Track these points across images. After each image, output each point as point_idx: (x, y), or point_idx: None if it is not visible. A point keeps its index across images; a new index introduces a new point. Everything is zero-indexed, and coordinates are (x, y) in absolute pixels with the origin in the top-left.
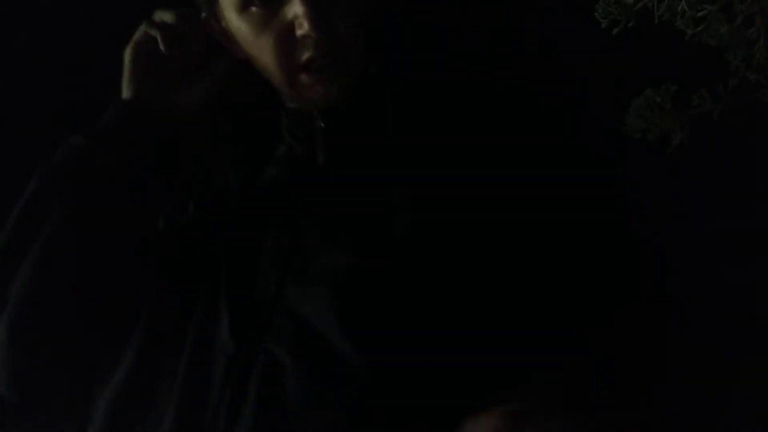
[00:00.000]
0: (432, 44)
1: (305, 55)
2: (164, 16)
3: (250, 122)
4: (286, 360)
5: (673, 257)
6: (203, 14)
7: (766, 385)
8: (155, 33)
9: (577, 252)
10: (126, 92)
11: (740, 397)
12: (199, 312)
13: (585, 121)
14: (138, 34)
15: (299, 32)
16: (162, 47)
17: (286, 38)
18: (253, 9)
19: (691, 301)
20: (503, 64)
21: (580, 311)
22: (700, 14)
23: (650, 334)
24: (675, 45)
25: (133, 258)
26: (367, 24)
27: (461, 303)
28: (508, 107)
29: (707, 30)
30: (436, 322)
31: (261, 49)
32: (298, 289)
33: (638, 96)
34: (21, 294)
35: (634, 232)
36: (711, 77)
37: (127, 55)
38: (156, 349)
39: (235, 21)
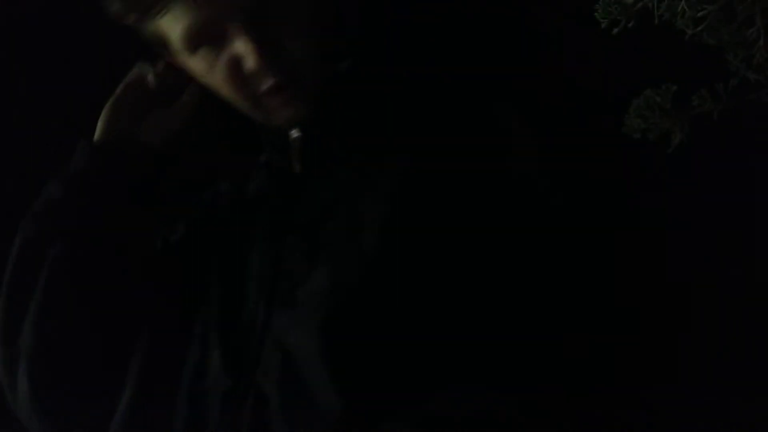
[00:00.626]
0: (405, 45)
1: (261, 85)
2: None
3: (232, 132)
4: (273, 395)
5: (672, 259)
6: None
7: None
8: (149, 74)
9: (554, 266)
10: (100, 132)
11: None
12: (194, 340)
13: (580, 121)
14: (131, 76)
15: (248, 67)
16: (153, 88)
17: (238, 72)
18: (202, 50)
19: (691, 301)
20: (492, 63)
21: (555, 327)
22: (700, 14)
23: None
24: (675, 45)
25: (135, 281)
26: (326, 32)
27: (440, 327)
28: (485, 113)
29: (707, 30)
30: (414, 350)
31: (218, 84)
32: (284, 316)
33: (638, 96)
34: (32, 341)
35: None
36: (711, 77)
37: (118, 94)
38: (155, 379)
39: (188, 62)
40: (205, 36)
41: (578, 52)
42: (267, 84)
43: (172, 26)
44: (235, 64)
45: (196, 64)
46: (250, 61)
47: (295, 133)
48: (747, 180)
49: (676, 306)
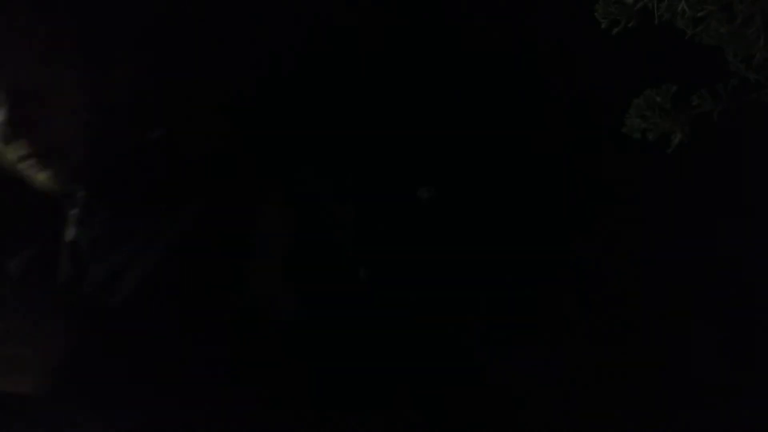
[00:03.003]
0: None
1: (18, 153)
2: None
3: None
4: None
5: (672, 258)
6: None
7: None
8: None
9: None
10: None
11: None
12: None
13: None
14: None
15: (3, 137)
16: None
17: None
18: None
19: (690, 302)
20: None
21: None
22: (700, 14)
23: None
24: (675, 45)
25: None
26: (95, 109)
27: None
28: None
29: (707, 30)
30: None
31: None
32: None
33: (638, 96)
34: None
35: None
36: (711, 77)
37: None
38: None
39: None
40: None
41: (578, 52)
42: (22, 153)
43: None
44: None
45: None
46: (6, 133)
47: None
48: (747, 180)
49: (676, 306)
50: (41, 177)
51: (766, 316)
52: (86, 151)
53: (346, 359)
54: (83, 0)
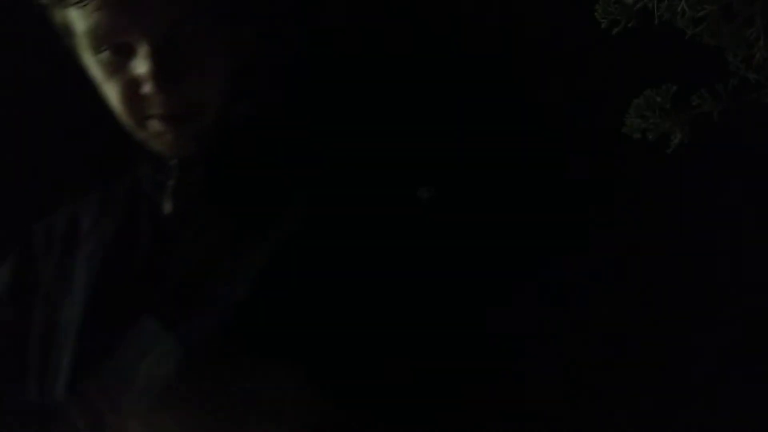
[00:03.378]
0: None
1: (154, 110)
2: None
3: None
4: None
5: (671, 259)
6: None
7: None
8: None
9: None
10: None
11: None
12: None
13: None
14: None
15: (143, 91)
16: None
17: (132, 90)
18: (104, 55)
19: (690, 301)
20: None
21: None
22: (700, 14)
23: None
24: (675, 45)
25: None
26: (234, 70)
27: None
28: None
29: (707, 30)
30: None
31: (109, 92)
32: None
33: (638, 96)
34: None
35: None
36: (711, 77)
37: None
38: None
39: (87, 59)
40: (110, 42)
41: (578, 52)
42: (158, 111)
43: (81, 20)
44: (133, 81)
45: (94, 65)
46: (147, 86)
47: (174, 164)
48: (747, 180)
49: (678, 306)
50: (167, 138)
51: (766, 316)
52: (220, 115)
53: None
54: None
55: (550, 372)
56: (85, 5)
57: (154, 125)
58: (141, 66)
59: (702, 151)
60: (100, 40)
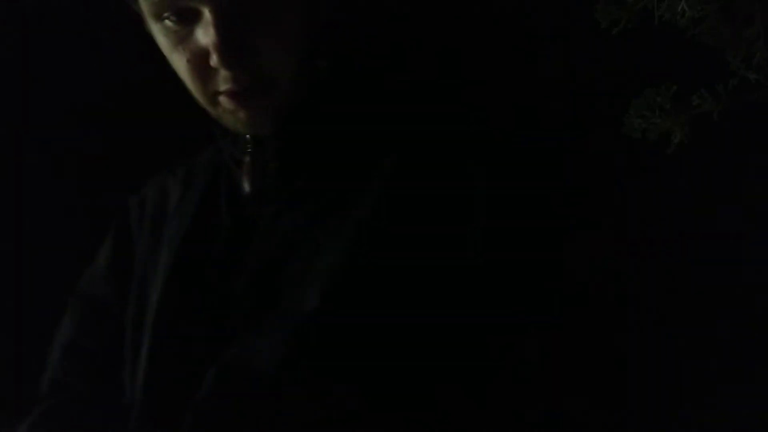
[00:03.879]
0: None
1: (223, 85)
2: None
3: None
4: None
5: (671, 257)
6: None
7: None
8: None
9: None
10: None
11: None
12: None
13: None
14: None
15: (212, 63)
16: None
17: (200, 62)
18: (168, 22)
19: (690, 301)
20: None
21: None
22: (700, 14)
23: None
24: (675, 45)
25: None
26: (307, 40)
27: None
28: (460, 175)
29: (707, 30)
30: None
31: (176, 64)
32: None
33: (638, 96)
34: None
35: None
36: (711, 77)
37: None
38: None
39: (152, 28)
40: (174, 8)
41: (578, 52)
42: (226, 87)
43: None
44: (199, 52)
45: (159, 34)
46: (214, 57)
47: (248, 140)
48: (747, 180)
49: (674, 306)
50: (240, 115)
51: (766, 315)
52: (291, 91)
53: None
54: None
55: (548, 370)
56: None
57: (225, 102)
58: (207, 36)
59: (702, 151)
60: (163, 4)
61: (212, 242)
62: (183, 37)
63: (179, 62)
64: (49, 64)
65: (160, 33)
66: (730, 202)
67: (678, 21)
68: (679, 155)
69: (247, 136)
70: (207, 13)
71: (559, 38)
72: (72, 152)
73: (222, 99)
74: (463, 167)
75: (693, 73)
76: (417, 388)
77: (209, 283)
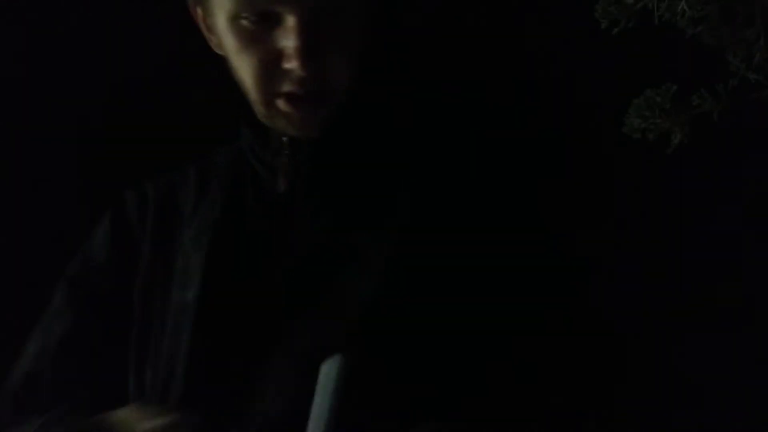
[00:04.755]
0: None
1: (287, 87)
2: None
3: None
4: None
5: (671, 258)
6: None
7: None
8: None
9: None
10: None
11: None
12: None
13: (586, 123)
14: None
15: (287, 65)
16: None
17: (270, 63)
18: (244, 22)
19: (690, 301)
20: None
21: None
22: (700, 14)
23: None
24: (675, 45)
25: None
26: (360, 54)
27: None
28: (486, 168)
29: (707, 30)
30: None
31: (242, 62)
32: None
33: (638, 96)
34: None
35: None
36: (711, 77)
37: None
38: None
39: (222, 25)
40: (257, 9)
41: (578, 52)
42: (291, 87)
43: None
44: (274, 52)
45: (230, 32)
46: (295, 61)
47: (285, 141)
48: (746, 180)
49: (678, 305)
50: (294, 118)
51: (766, 315)
52: (341, 99)
53: None
54: None
55: (551, 372)
56: None
57: (282, 104)
58: (288, 39)
59: (702, 151)
60: (249, 3)
61: (247, 242)
62: (258, 37)
63: (248, 60)
64: (49, 64)
65: (231, 31)
66: (730, 202)
67: (678, 21)
68: (679, 155)
69: (284, 138)
70: (290, 19)
71: (559, 38)
72: (70, 150)
73: (280, 101)
74: (490, 168)
75: (693, 73)
76: (465, 375)
77: (251, 282)
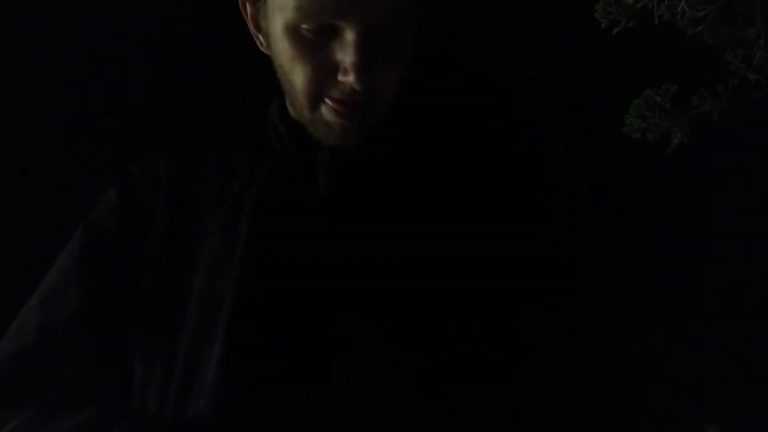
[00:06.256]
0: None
1: (336, 94)
2: None
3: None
4: None
5: (672, 257)
6: None
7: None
8: None
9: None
10: None
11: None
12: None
13: (586, 123)
14: None
15: (341, 78)
16: None
17: (324, 72)
18: (303, 31)
19: (689, 301)
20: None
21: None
22: (700, 14)
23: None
24: (675, 45)
25: None
26: (407, 66)
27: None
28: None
29: (707, 30)
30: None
31: (294, 68)
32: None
33: (638, 96)
34: None
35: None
36: (711, 77)
37: None
38: None
39: (278, 30)
40: (320, 21)
41: (578, 51)
42: (339, 95)
43: None
44: (330, 63)
45: (286, 38)
46: (352, 76)
47: (324, 153)
48: (747, 180)
49: (678, 305)
50: (336, 125)
51: (766, 315)
52: (384, 111)
53: None
54: None
55: (551, 370)
56: None
57: (326, 111)
58: (346, 54)
59: (702, 151)
60: (311, 16)
61: (287, 238)
62: (315, 47)
63: (301, 67)
64: (48, 63)
65: (288, 38)
66: (730, 201)
67: (678, 21)
68: (679, 155)
69: (323, 142)
70: (350, 34)
71: (559, 38)
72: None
73: (325, 107)
74: (524, 168)
75: (693, 73)
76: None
77: (292, 278)
